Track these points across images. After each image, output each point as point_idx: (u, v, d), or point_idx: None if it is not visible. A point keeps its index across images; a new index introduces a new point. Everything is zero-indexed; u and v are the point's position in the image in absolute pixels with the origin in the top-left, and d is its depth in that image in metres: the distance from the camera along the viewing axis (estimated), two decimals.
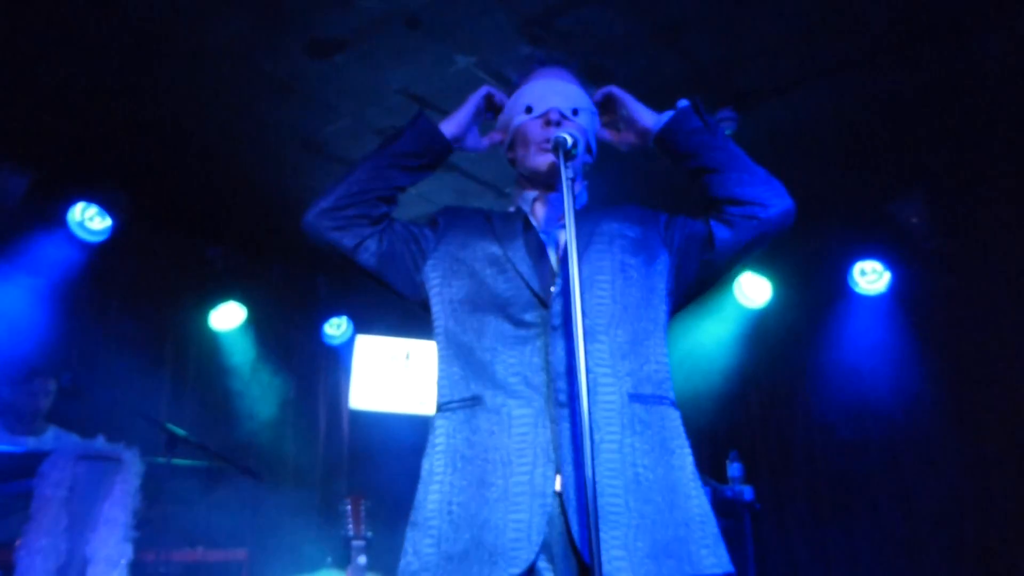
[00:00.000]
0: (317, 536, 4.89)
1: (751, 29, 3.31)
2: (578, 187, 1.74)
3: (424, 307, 1.72)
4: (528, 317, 1.55)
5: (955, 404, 4.47)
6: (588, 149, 1.76)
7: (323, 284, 5.69)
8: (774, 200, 1.62)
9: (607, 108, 1.79)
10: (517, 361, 1.52)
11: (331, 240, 1.65)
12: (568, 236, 1.43)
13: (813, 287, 5.07)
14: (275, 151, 4.21)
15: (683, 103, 1.70)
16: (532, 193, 1.75)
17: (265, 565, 4.54)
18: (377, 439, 5.42)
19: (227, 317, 5.14)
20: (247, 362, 5.27)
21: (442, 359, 1.64)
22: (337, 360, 5.74)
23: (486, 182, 4.51)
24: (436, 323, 1.67)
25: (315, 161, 4.28)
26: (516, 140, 1.75)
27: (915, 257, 4.69)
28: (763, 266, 5.08)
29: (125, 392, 4.18)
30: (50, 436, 3.87)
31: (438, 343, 1.66)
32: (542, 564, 1.43)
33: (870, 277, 4.83)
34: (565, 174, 1.49)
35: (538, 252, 1.64)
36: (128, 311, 4.61)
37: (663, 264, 1.67)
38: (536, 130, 1.70)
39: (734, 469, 4.30)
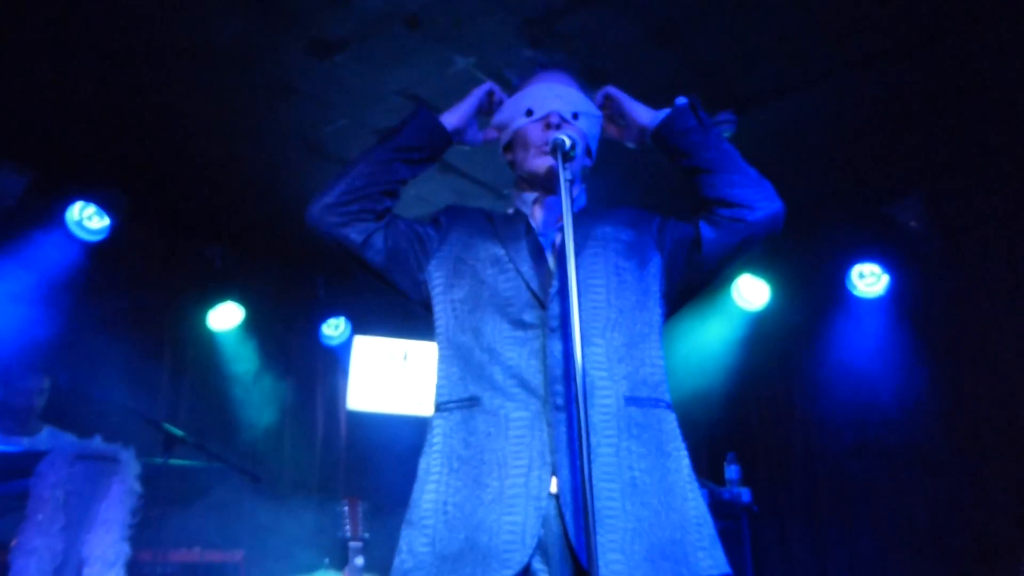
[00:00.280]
0: (314, 537, 4.88)
1: (750, 32, 3.31)
2: (576, 190, 1.75)
3: (426, 307, 1.73)
4: (527, 317, 1.56)
5: (953, 407, 4.47)
6: (588, 152, 1.77)
7: (321, 285, 5.69)
8: (763, 203, 1.63)
9: (607, 108, 1.80)
10: (515, 363, 1.53)
11: (338, 236, 1.65)
12: (566, 238, 1.44)
13: (811, 289, 5.07)
14: (274, 151, 4.21)
15: (681, 101, 1.72)
16: (531, 195, 1.76)
17: (262, 566, 4.53)
18: (375, 440, 5.41)
19: (225, 317, 5.14)
20: (245, 363, 5.26)
21: (442, 359, 1.64)
22: (335, 361, 5.74)
23: (485, 183, 4.51)
24: (437, 323, 1.67)
25: (314, 161, 4.28)
26: (515, 142, 1.76)
27: (914, 260, 4.69)
28: (761, 268, 5.08)
29: (123, 392, 4.17)
30: (45, 436, 3.86)
31: (439, 343, 1.66)
32: (538, 566, 1.43)
33: (868, 280, 4.83)
34: (563, 175, 1.49)
35: (537, 254, 1.65)
36: (126, 311, 4.60)
37: (656, 267, 1.68)
38: (536, 133, 1.70)
39: (732, 471, 4.30)
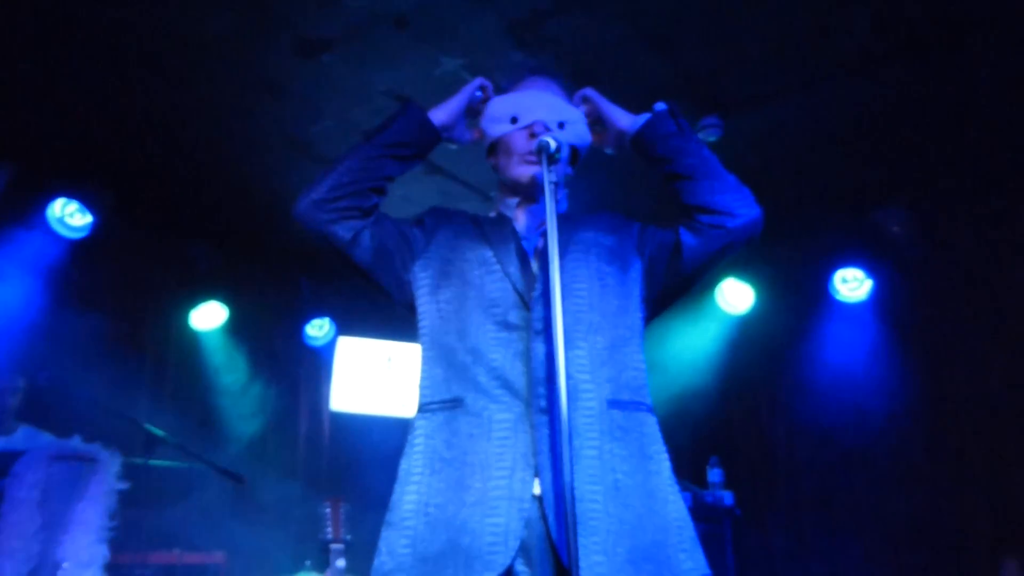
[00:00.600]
0: (296, 539, 4.86)
1: (737, 39, 3.33)
2: (559, 195, 1.75)
3: (409, 308, 1.72)
4: (512, 319, 1.56)
5: (934, 411, 4.51)
6: (572, 160, 1.78)
7: (306, 285, 5.66)
8: (742, 210, 1.63)
9: (587, 114, 1.79)
10: (499, 364, 1.53)
11: (325, 232, 1.63)
12: (550, 240, 1.44)
13: (795, 294, 5.10)
14: (260, 150, 4.19)
15: (660, 106, 1.72)
16: (514, 200, 1.76)
17: (243, 568, 4.50)
18: (358, 441, 5.39)
19: (208, 317, 5.10)
20: (228, 363, 5.23)
21: (425, 360, 1.64)
22: (319, 361, 5.71)
23: (471, 185, 4.50)
24: (421, 323, 1.67)
25: (300, 160, 4.26)
26: (499, 148, 1.76)
27: (896, 265, 4.73)
28: (746, 273, 5.11)
29: (103, 391, 4.12)
30: (21, 436, 3.81)
31: (422, 344, 1.66)
32: (520, 568, 1.43)
33: (851, 285, 4.87)
34: (548, 178, 1.50)
35: (522, 257, 1.65)
36: (108, 309, 4.56)
37: (637, 271, 1.69)
38: (520, 141, 1.71)
39: (714, 474, 4.31)
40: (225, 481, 4.08)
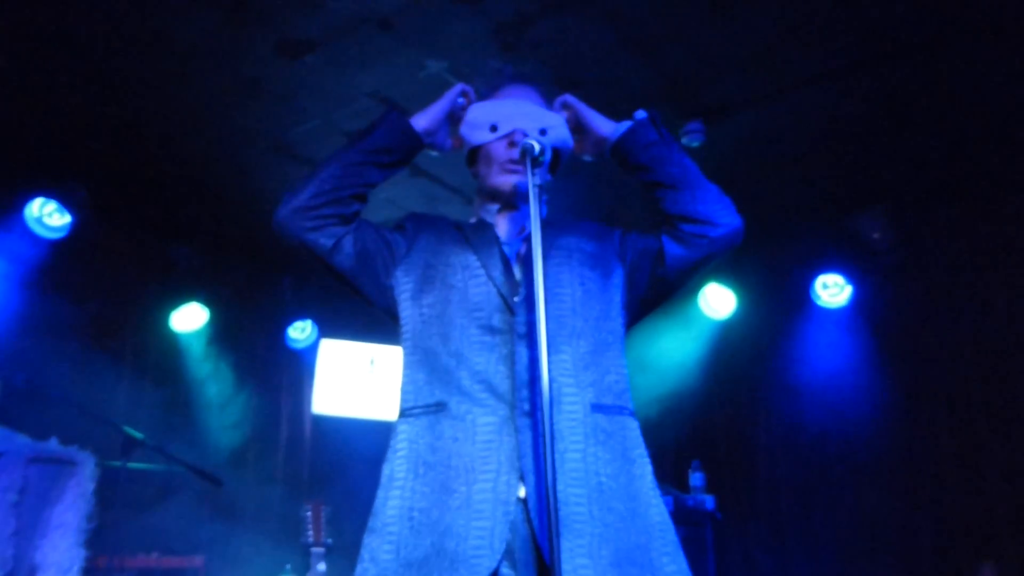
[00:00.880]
0: (276, 543, 4.82)
1: (720, 44, 3.35)
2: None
3: (390, 313, 1.71)
4: (496, 323, 1.56)
5: (914, 416, 4.56)
6: (553, 166, 1.78)
7: (288, 287, 5.63)
8: (724, 219, 1.64)
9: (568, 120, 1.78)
10: (483, 368, 1.53)
11: (306, 240, 1.62)
12: (534, 244, 1.44)
13: (776, 299, 5.14)
14: (242, 151, 4.16)
15: (640, 115, 1.71)
16: (495, 206, 1.76)
17: (222, 572, 4.47)
18: (339, 445, 5.37)
19: (189, 318, 5.06)
20: (208, 365, 5.18)
21: (407, 365, 1.63)
22: (300, 364, 5.68)
23: (454, 188, 4.50)
24: (404, 328, 1.66)
25: (282, 162, 4.24)
26: (479, 156, 1.76)
27: (876, 271, 4.78)
28: (728, 277, 5.14)
29: (81, 393, 4.08)
30: None
31: (404, 348, 1.65)
32: (506, 571, 1.43)
33: (832, 290, 4.91)
34: (532, 180, 1.50)
35: (505, 262, 1.65)
36: (86, 310, 4.51)
37: (618, 278, 1.70)
38: (500, 150, 1.71)
39: (696, 478, 4.32)
40: (204, 484, 4.05)
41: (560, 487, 1.42)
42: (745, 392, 5.25)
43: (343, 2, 3.10)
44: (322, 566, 3.71)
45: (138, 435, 3.69)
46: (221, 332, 5.19)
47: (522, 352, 1.52)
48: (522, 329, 1.54)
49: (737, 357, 5.23)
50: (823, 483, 4.80)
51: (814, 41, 3.32)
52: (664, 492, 4.17)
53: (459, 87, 1.76)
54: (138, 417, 4.55)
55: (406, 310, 1.66)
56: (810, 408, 4.91)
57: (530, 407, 1.48)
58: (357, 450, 5.05)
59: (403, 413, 1.59)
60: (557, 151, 1.76)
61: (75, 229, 4.29)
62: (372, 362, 5.53)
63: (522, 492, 1.45)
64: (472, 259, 1.63)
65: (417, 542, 1.44)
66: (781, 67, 3.49)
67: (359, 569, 1.49)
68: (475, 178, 1.81)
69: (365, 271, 1.67)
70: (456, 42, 3.33)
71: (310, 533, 3.76)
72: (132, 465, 3.74)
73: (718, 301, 5.22)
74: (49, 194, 4.20)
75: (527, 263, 1.56)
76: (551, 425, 1.33)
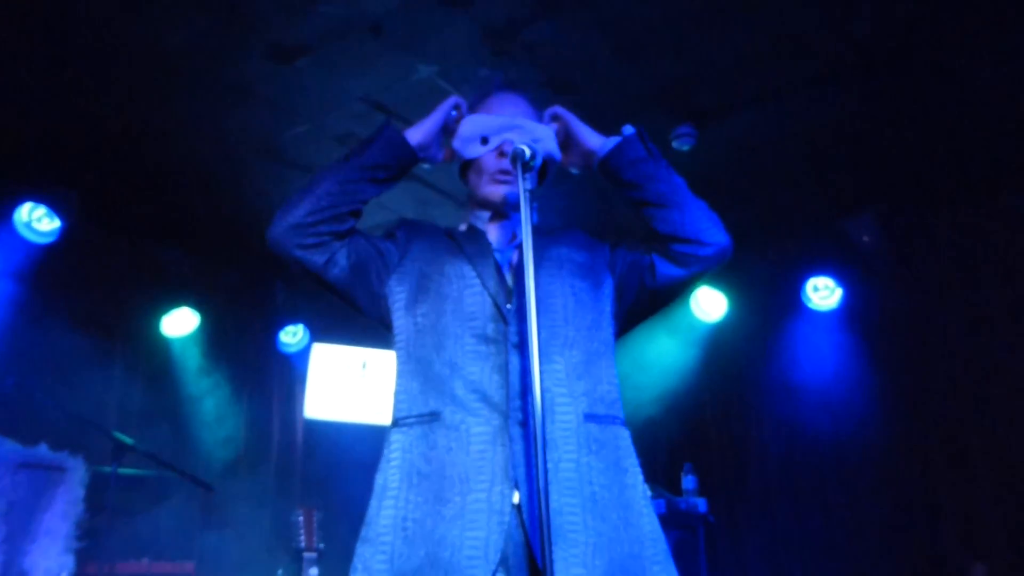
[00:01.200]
0: (268, 548, 4.81)
1: (711, 49, 3.36)
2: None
3: (382, 322, 1.71)
4: (490, 331, 1.56)
5: (904, 419, 4.57)
6: (540, 177, 1.79)
7: (280, 291, 5.62)
8: (714, 239, 1.65)
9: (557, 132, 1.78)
10: (477, 378, 1.53)
11: (300, 258, 1.61)
12: (525, 250, 1.44)
13: (767, 302, 5.15)
14: (233, 155, 4.15)
15: (628, 130, 1.70)
16: (486, 214, 1.77)
17: None
18: (332, 449, 5.35)
19: (180, 323, 5.03)
20: (199, 370, 5.16)
21: (401, 374, 1.62)
22: (292, 369, 5.67)
23: (446, 192, 4.50)
24: (397, 337, 1.66)
25: (273, 166, 4.23)
26: (470, 167, 1.77)
27: (866, 274, 4.80)
28: (719, 280, 5.15)
29: (71, 398, 4.06)
30: None
31: (398, 357, 1.65)
32: None
33: (822, 293, 4.93)
34: (523, 185, 1.49)
35: (498, 271, 1.65)
36: (76, 315, 4.49)
37: (608, 288, 1.71)
38: (490, 161, 1.72)
39: (688, 481, 4.33)
40: (195, 489, 4.04)
41: (554, 496, 1.43)
42: (737, 394, 5.26)
43: (334, 7, 3.10)
44: (314, 571, 3.70)
45: (128, 440, 3.68)
46: (212, 337, 5.17)
47: (515, 362, 1.52)
48: (515, 339, 1.54)
49: (729, 360, 5.24)
50: (815, 485, 4.81)
51: (804, 46, 3.33)
52: (656, 495, 4.21)
53: (452, 100, 1.76)
54: (128, 422, 4.54)
55: (400, 319, 1.65)
56: (802, 410, 4.92)
57: (524, 417, 1.48)
58: (349, 455, 5.04)
59: (396, 422, 1.59)
60: (545, 162, 1.76)
61: (65, 233, 4.27)
62: (364, 366, 5.52)
63: (516, 498, 1.45)
64: (467, 269, 1.63)
65: (411, 552, 1.44)
66: (771, 71, 3.50)
67: None
68: (466, 187, 1.81)
69: (359, 282, 1.67)
70: (447, 47, 3.33)
71: (302, 538, 3.74)
72: (122, 471, 3.73)
73: (709, 304, 5.23)
74: (39, 198, 4.18)
75: (519, 272, 1.56)
76: (543, 435, 1.33)
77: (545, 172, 1.80)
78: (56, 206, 4.21)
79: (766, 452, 5.06)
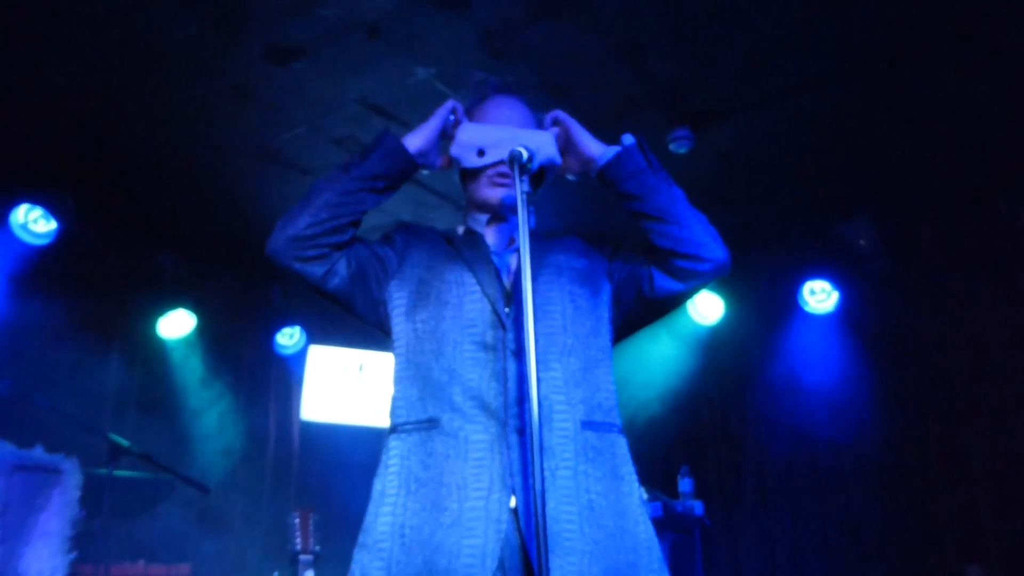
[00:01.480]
0: (264, 550, 4.80)
1: (708, 52, 3.36)
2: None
3: (381, 327, 1.70)
4: (489, 339, 1.55)
5: (899, 419, 4.58)
6: (538, 181, 1.76)
7: (277, 293, 5.61)
8: (712, 254, 1.65)
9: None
10: (476, 385, 1.52)
11: (299, 270, 1.61)
12: (523, 253, 1.43)
13: (764, 305, 5.16)
14: (230, 157, 4.15)
15: (628, 140, 1.69)
16: (484, 216, 1.76)
17: None
18: (328, 451, 5.34)
19: (176, 325, 5.03)
20: (196, 372, 5.16)
21: (399, 379, 1.62)
22: (289, 371, 5.66)
23: (443, 194, 4.50)
24: (396, 342, 1.65)
25: (270, 168, 4.23)
26: (468, 170, 1.75)
27: (862, 277, 4.81)
28: (716, 284, 5.13)
29: (66, 400, 4.05)
30: None
31: (397, 363, 1.64)
32: None
33: (819, 296, 4.94)
34: (520, 187, 1.48)
35: (494, 273, 1.64)
36: (72, 316, 4.48)
37: (606, 294, 1.70)
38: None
39: (685, 484, 4.33)
40: (191, 491, 4.03)
41: (551, 504, 1.43)
42: (734, 397, 5.26)
43: (331, 9, 3.10)
44: (310, 574, 3.69)
45: (124, 442, 3.67)
46: (209, 339, 5.17)
47: (513, 369, 1.52)
48: (513, 345, 1.54)
49: (725, 363, 5.25)
50: (811, 488, 4.82)
51: (802, 49, 3.34)
52: (653, 497, 4.20)
53: (449, 104, 1.74)
54: (124, 424, 4.53)
55: (399, 324, 1.65)
56: (798, 413, 4.93)
57: (521, 424, 1.48)
58: (346, 457, 5.04)
59: (395, 428, 1.58)
60: (543, 167, 1.73)
61: (61, 235, 4.27)
62: (361, 368, 5.51)
63: (513, 502, 1.45)
64: (467, 276, 1.62)
65: (408, 559, 1.44)
66: (769, 74, 3.51)
67: None
68: (464, 189, 1.81)
69: (358, 290, 1.66)
70: (444, 49, 3.33)
71: (298, 540, 3.73)
72: (118, 473, 3.71)
73: (706, 307, 5.24)
74: (35, 200, 4.18)
75: (518, 278, 1.55)
76: (540, 443, 1.32)
77: (542, 177, 1.78)
78: (52, 208, 4.20)
79: (763, 455, 5.06)
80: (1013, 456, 4.18)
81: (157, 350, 5.02)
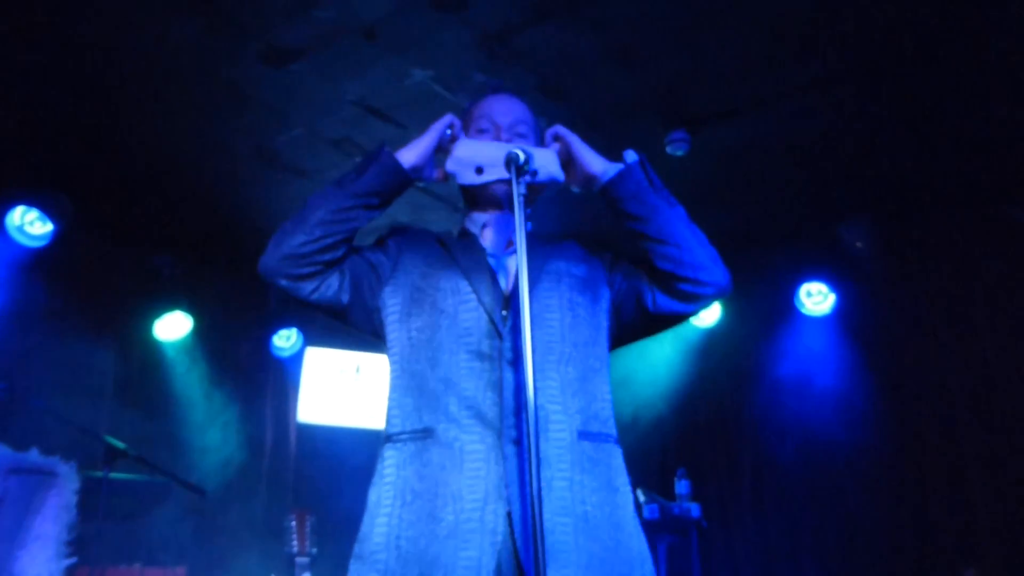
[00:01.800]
0: (260, 553, 4.79)
1: (705, 53, 3.36)
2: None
3: (376, 334, 1.70)
4: (485, 348, 1.54)
5: (896, 422, 4.58)
6: (535, 194, 1.75)
7: (274, 295, 5.60)
8: (714, 278, 1.64)
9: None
10: (471, 394, 1.51)
11: (294, 288, 1.60)
12: (519, 255, 1.42)
13: (761, 307, 5.16)
14: (226, 158, 4.14)
15: (631, 158, 1.67)
16: (482, 217, 1.74)
17: None
18: (324, 453, 5.34)
19: (173, 327, 5.02)
20: (192, 374, 5.15)
21: (394, 388, 1.61)
22: (285, 373, 5.65)
23: (440, 196, 4.50)
24: (391, 351, 1.64)
25: (267, 170, 4.22)
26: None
27: (859, 280, 4.81)
28: None
29: (62, 402, 4.04)
30: None
31: (392, 371, 1.63)
32: None
33: (816, 299, 4.94)
34: (517, 190, 1.48)
35: (490, 277, 1.63)
36: (69, 319, 4.47)
37: (606, 302, 1.69)
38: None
39: (682, 486, 4.33)
40: (188, 494, 4.02)
41: (546, 515, 1.41)
42: (730, 400, 5.26)
43: (328, 11, 3.10)
44: None
45: (120, 445, 3.66)
46: (205, 341, 5.15)
47: (510, 378, 1.51)
48: (510, 355, 1.53)
49: (722, 365, 5.25)
50: (808, 490, 4.81)
51: (799, 52, 3.34)
52: (650, 500, 4.20)
53: (447, 119, 1.70)
54: (121, 427, 4.52)
55: (393, 331, 1.64)
56: (795, 415, 4.93)
57: (518, 434, 1.47)
58: (343, 459, 5.03)
59: (390, 438, 1.57)
60: (543, 184, 1.70)
61: (57, 237, 4.26)
62: (358, 370, 5.51)
63: (509, 517, 1.44)
64: (463, 284, 1.61)
65: (404, 571, 1.43)
66: (766, 78, 3.51)
67: None
68: (461, 189, 1.80)
69: (353, 301, 1.65)
70: (441, 51, 3.33)
71: (295, 543, 3.73)
72: (114, 475, 3.71)
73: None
74: (31, 202, 4.17)
75: (517, 284, 1.53)
76: (537, 454, 1.31)
77: (540, 189, 1.75)
78: (49, 210, 4.19)
79: (760, 457, 5.06)
80: (1010, 459, 4.19)
81: (153, 352, 5.02)
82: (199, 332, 5.10)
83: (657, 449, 5.14)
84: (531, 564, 1.38)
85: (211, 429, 5.15)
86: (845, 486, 4.69)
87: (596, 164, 1.68)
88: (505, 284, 1.64)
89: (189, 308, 5.03)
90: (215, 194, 4.42)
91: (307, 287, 1.61)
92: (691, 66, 3.45)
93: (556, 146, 1.71)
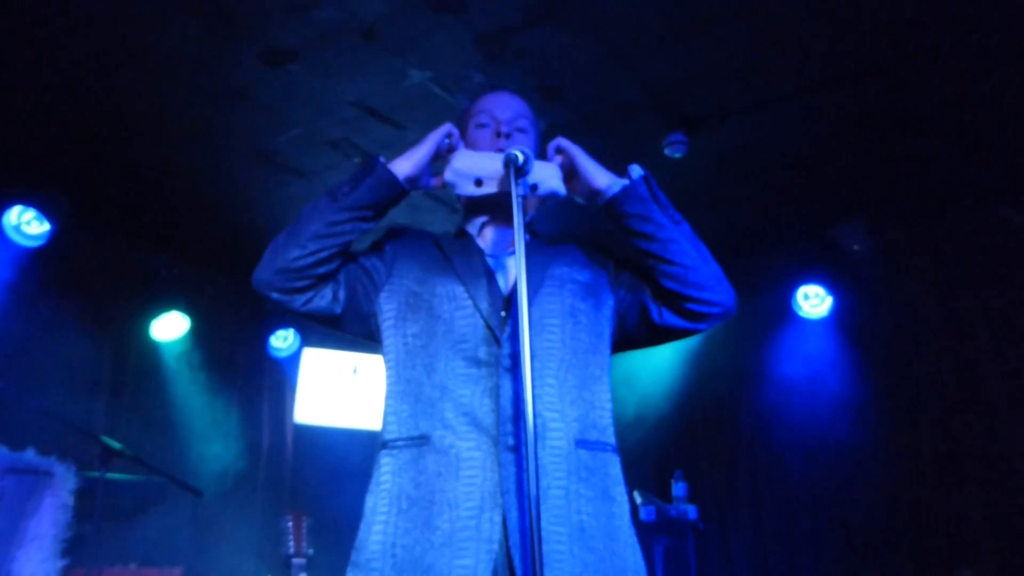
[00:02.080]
0: (257, 554, 4.78)
1: (702, 55, 3.37)
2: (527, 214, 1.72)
3: (372, 339, 1.68)
4: (482, 355, 1.53)
5: (893, 424, 4.59)
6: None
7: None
8: (717, 298, 1.63)
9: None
10: (468, 401, 1.50)
11: (289, 301, 1.58)
12: (517, 259, 1.41)
13: (758, 310, 5.16)
14: (224, 159, 4.14)
15: (636, 173, 1.64)
16: (481, 218, 1.73)
17: None
18: (322, 455, 5.33)
19: (170, 327, 5.00)
20: (189, 374, 5.14)
21: (390, 394, 1.60)
22: (282, 373, 5.65)
23: (438, 197, 4.50)
24: (387, 356, 1.63)
25: (265, 170, 4.22)
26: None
27: (857, 283, 4.82)
28: None
29: (59, 403, 4.03)
30: None
31: (388, 377, 1.62)
32: None
33: (813, 301, 4.95)
34: (515, 191, 1.47)
35: (491, 281, 1.62)
36: (65, 318, 4.46)
37: (609, 309, 1.68)
38: (486, 145, 1.69)
39: (678, 488, 4.33)
40: (184, 495, 4.01)
41: (542, 524, 1.39)
42: (727, 401, 5.26)
43: (327, 12, 3.09)
44: None
45: (117, 445, 3.65)
46: (203, 341, 5.14)
47: (507, 385, 1.50)
48: (507, 362, 1.51)
49: (719, 367, 5.25)
50: (804, 492, 4.82)
51: (796, 54, 3.34)
52: (647, 502, 4.20)
53: (445, 128, 1.66)
54: (117, 427, 4.51)
55: (389, 337, 1.63)
56: (791, 418, 4.93)
57: (514, 442, 1.46)
58: (340, 460, 5.03)
59: (386, 445, 1.56)
60: (544, 198, 1.68)
61: (54, 237, 4.25)
62: (355, 371, 5.50)
63: (504, 524, 1.43)
64: (459, 289, 1.59)
65: None
66: (763, 79, 3.51)
67: None
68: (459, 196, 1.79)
69: (347, 310, 1.63)
70: (439, 52, 3.33)
71: (291, 544, 3.73)
72: (111, 476, 3.70)
73: None
74: (28, 202, 4.16)
75: (514, 290, 1.52)
76: (536, 462, 1.31)
77: (541, 201, 1.71)
78: (46, 209, 4.18)
79: (756, 459, 5.06)
80: (1007, 460, 4.19)
81: (151, 352, 5.01)
82: (196, 332, 5.09)
83: (653, 451, 5.14)
84: (525, 573, 1.38)
85: (208, 430, 5.14)
86: (842, 488, 4.69)
87: (601, 178, 1.64)
88: (504, 285, 1.62)
89: (186, 308, 5.02)
90: (213, 194, 4.42)
91: (300, 299, 1.59)
92: (689, 68, 3.45)
93: (559, 159, 1.67)
